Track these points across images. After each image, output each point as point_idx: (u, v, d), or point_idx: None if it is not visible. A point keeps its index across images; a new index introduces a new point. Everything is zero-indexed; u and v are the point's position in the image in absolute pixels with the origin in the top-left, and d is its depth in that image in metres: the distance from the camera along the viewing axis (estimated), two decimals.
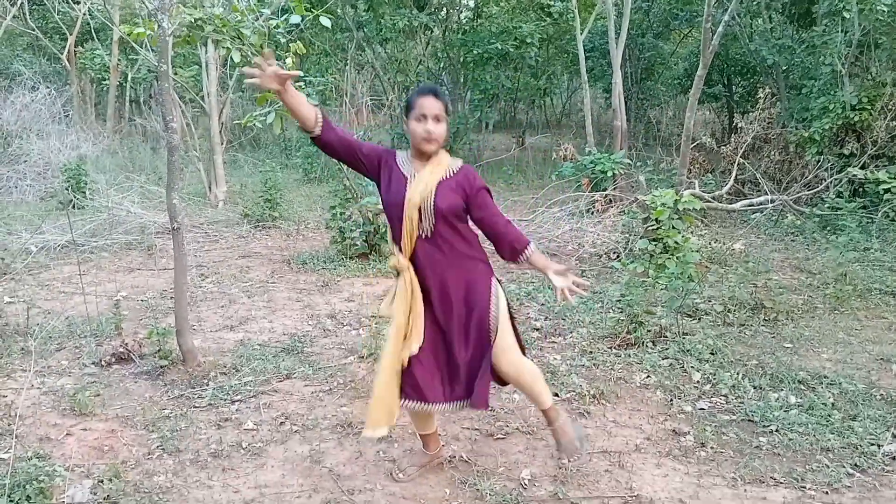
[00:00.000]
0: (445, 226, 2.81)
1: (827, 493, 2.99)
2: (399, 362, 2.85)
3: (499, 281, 3.00)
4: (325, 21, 4.60)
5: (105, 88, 14.82)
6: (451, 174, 2.84)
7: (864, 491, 3.00)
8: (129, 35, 4.80)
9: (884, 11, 7.65)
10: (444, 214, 2.78)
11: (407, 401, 2.88)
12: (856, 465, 3.19)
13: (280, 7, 5.06)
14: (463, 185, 2.83)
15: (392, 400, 2.86)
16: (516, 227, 2.94)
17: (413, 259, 2.85)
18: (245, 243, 7.69)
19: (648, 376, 4.17)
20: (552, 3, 12.70)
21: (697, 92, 7.51)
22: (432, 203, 2.77)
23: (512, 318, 3.05)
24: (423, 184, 2.79)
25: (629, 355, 4.45)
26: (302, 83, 5.44)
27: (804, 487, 3.02)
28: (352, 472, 3.18)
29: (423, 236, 2.81)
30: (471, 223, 2.93)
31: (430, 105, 2.78)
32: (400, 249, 2.86)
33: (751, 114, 9.13)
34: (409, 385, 2.87)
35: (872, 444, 3.33)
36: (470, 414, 3.70)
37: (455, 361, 2.89)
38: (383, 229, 6.67)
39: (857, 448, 3.32)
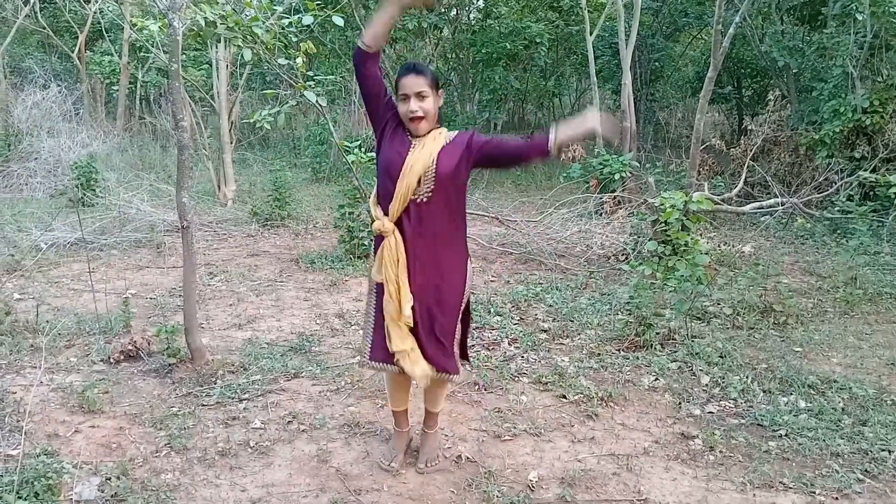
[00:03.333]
0: (441, 193, 2.81)
1: (837, 498, 2.97)
2: (403, 324, 2.85)
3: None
4: (338, 20, 4.61)
5: (115, 88, 14.87)
6: (450, 141, 2.86)
7: (875, 497, 2.98)
8: (139, 29, 4.81)
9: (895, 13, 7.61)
10: (443, 179, 2.79)
11: (376, 363, 2.96)
12: (866, 470, 3.16)
13: (292, 6, 5.07)
14: (460, 143, 2.85)
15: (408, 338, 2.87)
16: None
17: (398, 222, 2.85)
18: (253, 242, 7.71)
19: (657, 379, 4.15)
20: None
21: (708, 94, 7.46)
22: (434, 167, 2.78)
23: (468, 312, 3.10)
24: (426, 151, 2.79)
25: (637, 358, 4.43)
26: (311, 82, 5.45)
27: (814, 493, 3.00)
28: (359, 472, 3.18)
29: (418, 201, 2.81)
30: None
31: (409, 83, 2.77)
32: (386, 213, 2.85)
33: (760, 116, 9.09)
34: (379, 347, 2.92)
35: (883, 450, 3.31)
36: (477, 414, 3.70)
37: (423, 329, 2.90)
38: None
39: (867, 453, 3.29)
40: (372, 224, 2.93)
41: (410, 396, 3.30)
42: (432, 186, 2.79)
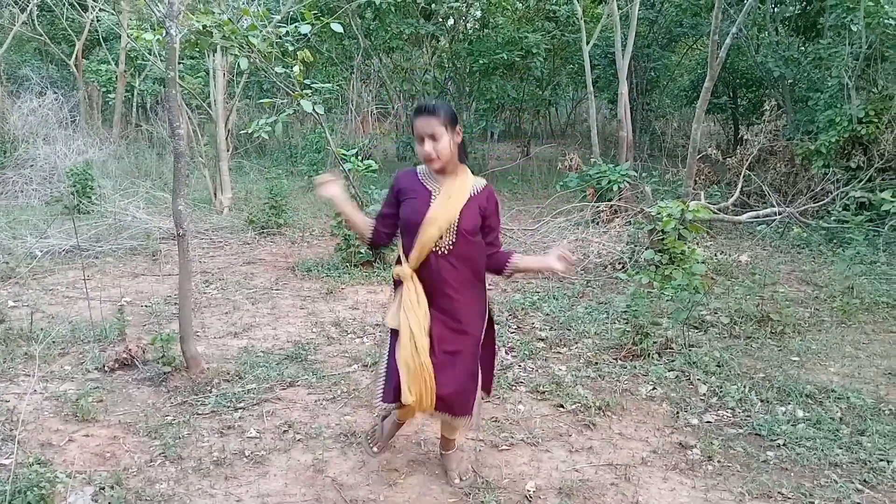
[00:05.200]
0: (462, 246, 2.81)
1: None
2: (422, 367, 2.80)
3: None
4: (337, 27, 4.62)
5: (112, 96, 14.88)
6: (476, 192, 2.86)
7: None
8: (136, 39, 4.82)
9: (891, 24, 7.64)
10: (464, 234, 2.79)
11: (386, 403, 2.94)
12: (865, 480, 3.15)
13: (289, 15, 5.07)
14: (483, 204, 2.86)
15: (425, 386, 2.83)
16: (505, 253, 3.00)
17: (419, 271, 2.84)
18: (250, 250, 7.69)
19: (654, 388, 4.14)
20: (557, 8, 12.71)
21: (704, 103, 7.49)
22: (456, 224, 2.78)
23: (493, 353, 3.13)
24: (451, 202, 2.78)
25: (635, 367, 4.42)
26: (308, 90, 5.45)
27: (812, 503, 2.99)
28: (355, 482, 3.16)
29: (439, 252, 2.80)
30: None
31: (421, 125, 2.75)
32: (407, 259, 2.84)
33: (756, 126, 9.11)
34: (391, 387, 2.89)
35: (882, 460, 3.30)
36: (474, 424, 3.68)
37: (440, 372, 2.84)
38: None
39: (865, 464, 3.28)
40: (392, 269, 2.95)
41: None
42: (454, 240, 2.79)
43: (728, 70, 12.88)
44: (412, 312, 2.80)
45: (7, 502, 2.74)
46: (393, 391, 2.88)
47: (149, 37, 4.53)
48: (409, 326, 2.80)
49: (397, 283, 2.92)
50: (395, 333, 2.90)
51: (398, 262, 2.90)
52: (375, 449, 3.22)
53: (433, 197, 2.81)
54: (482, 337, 2.96)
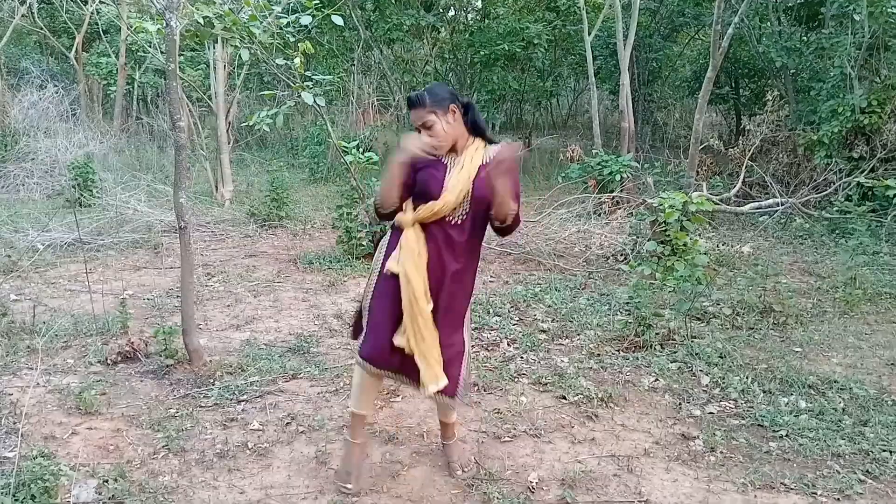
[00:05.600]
0: (473, 217, 2.81)
1: (839, 499, 2.96)
2: (430, 319, 2.77)
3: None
4: (338, 19, 4.60)
5: (112, 88, 14.85)
6: (490, 160, 2.80)
7: (877, 498, 2.97)
8: (136, 31, 4.80)
9: (893, 13, 7.60)
10: (479, 203, 2.77)
11: (369, 365, 2.84)
12: (867, 471, 3.15)
13: (289, 6, 5.05)
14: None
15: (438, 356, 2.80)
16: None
17: (427, 233, 2.81)
18: (251, 242, 7.69)
19: (657, 380, 4.14)
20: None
21: (707, 94, 7.47)
22: (471, 192, 2.76)
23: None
24: (464, 171, 2.76)
25: (637, 358, 4.42)
26: (309, 82, 5.43)
27: (815, 494, 2.99)
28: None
29: (452, 222, 2.79)
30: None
31: (413, 119, 2.79)
32: (414, 210, 2.81)
33: (759, 116, 9.08)
34: (378, 347, 2.82)
35: (885, 451, 3.29)
36: (477, 416, 3.68)
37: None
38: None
39: (868, 454, 3.28)
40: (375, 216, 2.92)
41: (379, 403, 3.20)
42: (468, 209, 2.79)
43: (730, 60, 12.82)
44: (410, 261, 2.76)
45: (11, 495, 2.75)
46: (371, 338, 2.84)
47: (150, 27, 4.51)
48: (407, 273, 2.75)
49: (395, 233, 2.89)
50: (386, 278, 2.85)
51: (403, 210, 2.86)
52: (351, 486, 2.97)
53: (448, 170, 2.81)
54: (467, 314, 2.98)
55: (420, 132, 2.77)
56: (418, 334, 2.75)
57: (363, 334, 2.96)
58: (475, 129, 2.88)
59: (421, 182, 2.81)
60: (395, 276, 2.80)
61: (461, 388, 2.96)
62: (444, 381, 2.78)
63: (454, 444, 3.23)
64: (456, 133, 2.81)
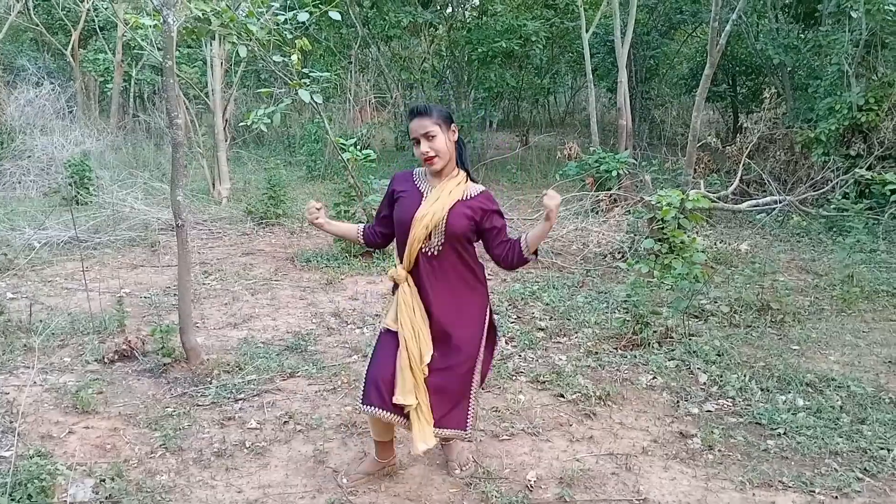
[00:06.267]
0: (452, 248, 2.81)
1: (836, 497, 2.96)
2: (419, 370, 2.82)
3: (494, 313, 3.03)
4: (335, 15, 4.59)
5: (109, 86, 14.81)
6: (469, 197, 2.83)
7: (875, 496, 2.97)
8: (133, 27, 4.78)
9: (891, 11, 7.58)
10: (452, 237, 2.78)
11: (371, 408, 2.82)
12: (865, 469, 3.15)
13: (286, 3, 5.04)
14: (476, 210, 2.81)
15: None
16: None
17: (414, 274, 2.85)
18: (248, 240, 7.67)
19: (655, 378, 4.14)
20: None
21: (704, 91, 7.44)
22: (444, 223, 2.76)
23: (493, 349, 3.11)
24: (438, 202, 2.77)
25: (635, 356, 4.42)
26: (307, 79, 5.42)
27: (813, 492, 2.99)
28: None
29: (429, 254, 2.81)
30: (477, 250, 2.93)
31: (415, 127, 2.77)
32: (401, 261, 2.86)
33: (756, 113, 9.08)
34: (375, 391, 2.81)
35: (882, 448, 3.30)
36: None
37: (434, 380, 2.84)
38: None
39: (866, 452, 3.29)
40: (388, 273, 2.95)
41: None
42: (443, 240, 2.79)
43: (727, 58, 12.82)
44: (405, 316, 2.81)
45: (8, 494, 2.74)
46: (378, 395, 2.82)
47: (147, 22, 4.49)
48: (412, 327, 2.81)
49: (395, 287, 2.93)
50: (388, 333, 2.90)
51: (395, 265, 2.92)
52: (347, 481, 3.03)
53: (424, 197, 2.82)
54: (480, 349, 2.95)
55: (419, 143, 2.77)
56: (413, 393, 2.79)
57: (364, 383, 2.92)
58: (463, 165, 2.90)
59: (397, 212, 2.87)
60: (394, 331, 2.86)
61: (472, 419, 2.95)
62: (432, 442, 2.83)
63: (454, 443, 3.22)
64: (451, 153, 2.82)
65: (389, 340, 2.89)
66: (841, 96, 8.36)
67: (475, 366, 2.93)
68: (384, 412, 2.81)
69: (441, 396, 2.86)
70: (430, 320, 2.85)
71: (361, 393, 2.90)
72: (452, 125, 2.82)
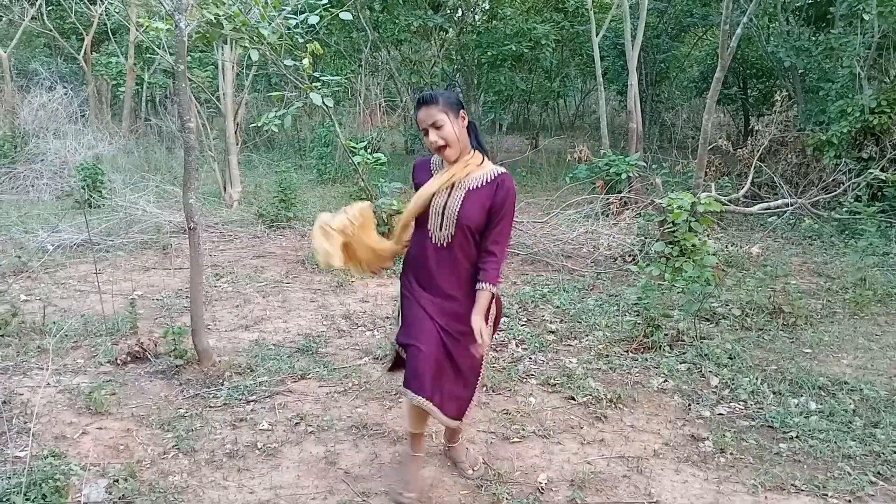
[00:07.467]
0: (462, 239, 2.74)
1: (850, 501, 2.94)
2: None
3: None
4: (346, 15, 4.61)
5: (121, 90, 14.92)
6: (485, 182, 2.75)
7: (888, 500, 2.95)
8: (146, 30, 4.82)
9: None
10: (465, 228, 2.72)
11: (413, 394, 2.71)
12: (879, 473, 3.13)
13: (298, 7, 5.07)
14: (489, 196, 2.73)
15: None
16: (500, 265, 2.79)
17: (423, 265, 2.81)
18: (260, 243, 7.70)
19: (666, 381, 4.13)
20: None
21: (715, 94, 7.42)
22: (456, 215, 2.72)
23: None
24: (438, 182, 2.76)
25: (646, 359, 4.41)
26: (317, 83, 5.44)
27: (826, 495, 2.97)
28: (367, 475, 3.17)
29: (439, 244, 2.77)
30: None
31: (423, 117, 2.72)
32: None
33: (767, 116, 9.05)
34: (413, 377, 2.72)
35: (895, 453, 3.28)
36: (486, 417, 3.68)
37: (448, 369, 2.80)
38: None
39: (879, 456, 3.27)
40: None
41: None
42: (453, 232, 2.73)
43: (738, 60, 12.79)
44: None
45: (22, 494, 2.76)
46: (416, 379, 2.72)
47: (160, 25, 4.52)
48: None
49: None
50: (412, 302, 2.84)
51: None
52: (413, 495, 2.92)
53: (433, 176, 2.82)
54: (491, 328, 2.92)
55: (427, 134, 2.72)
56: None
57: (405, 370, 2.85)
58: (479, 146, 2.85)
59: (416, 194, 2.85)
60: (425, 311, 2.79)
61: (469, 411, 2.91)
62: (337, 262, 2.90)
63: (459, 446, 3.23)
64: (462, 139, 2.75)
65: (420, 316, 2.79)
66: (853, 99, 8.31)
67: (479, 362, 2.90)
68: (424, 401, 2.71)
69: (456, 378, 2.80)
70: (441, 309, 2.78)
71: (403, 379, 2.80)
72: (461, 110, 2.74)
